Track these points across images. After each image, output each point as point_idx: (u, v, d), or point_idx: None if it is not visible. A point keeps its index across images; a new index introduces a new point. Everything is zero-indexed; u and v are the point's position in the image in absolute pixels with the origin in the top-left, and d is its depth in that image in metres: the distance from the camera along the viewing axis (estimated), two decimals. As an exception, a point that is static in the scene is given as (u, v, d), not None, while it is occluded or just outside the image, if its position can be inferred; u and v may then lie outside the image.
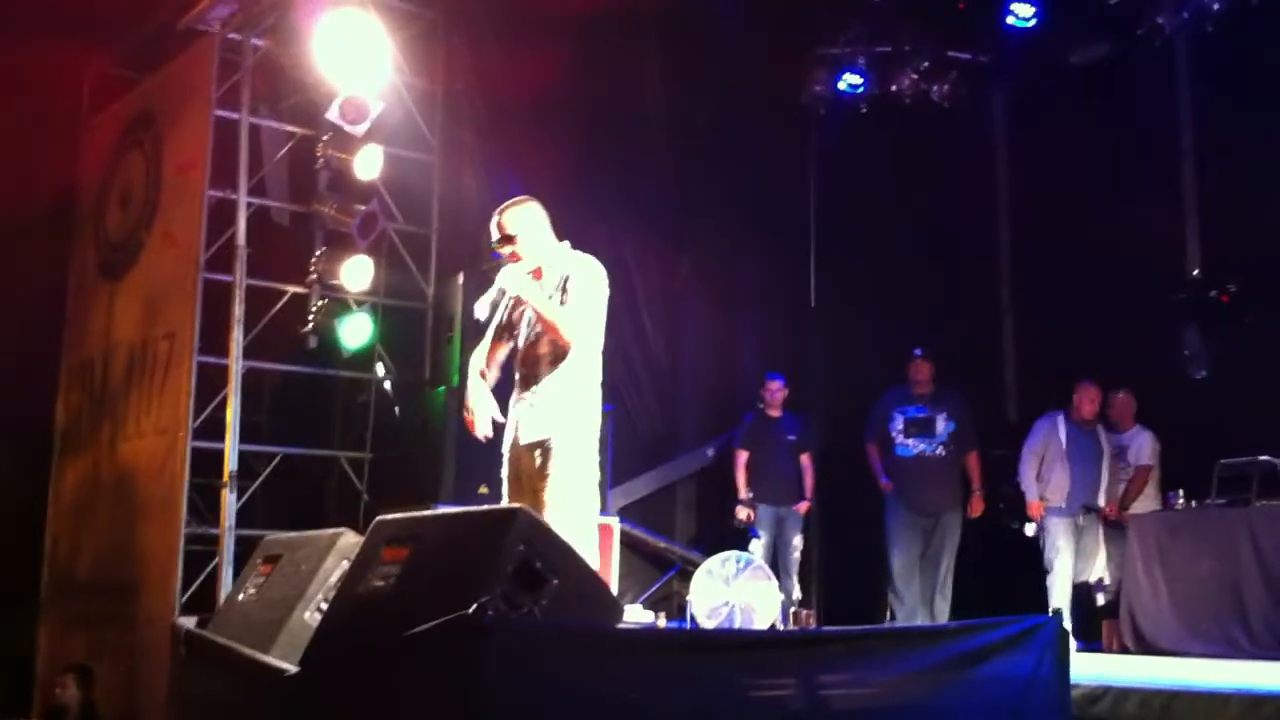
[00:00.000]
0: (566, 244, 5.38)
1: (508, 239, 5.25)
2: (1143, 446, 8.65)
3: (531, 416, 5.16)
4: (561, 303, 5.16)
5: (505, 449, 5.29)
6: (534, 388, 5.18)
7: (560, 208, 5.46)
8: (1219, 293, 8.78)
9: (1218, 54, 8.99)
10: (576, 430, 5.12)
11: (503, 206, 5.32)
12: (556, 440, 5.09)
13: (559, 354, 5.17)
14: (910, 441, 9.14)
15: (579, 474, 5.09)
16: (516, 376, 5.28)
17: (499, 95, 9.43)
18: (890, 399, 9.29)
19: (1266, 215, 8.45)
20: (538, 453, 5.12)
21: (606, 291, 5.26)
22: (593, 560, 4.84)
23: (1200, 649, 6.97)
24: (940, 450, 9.09)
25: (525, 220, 5.28)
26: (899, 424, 9.18)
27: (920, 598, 9.03)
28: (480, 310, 5.22)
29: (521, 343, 5.31)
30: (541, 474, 5.08)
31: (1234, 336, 8.74)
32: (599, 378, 5.26)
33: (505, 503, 5.25)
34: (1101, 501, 8.41)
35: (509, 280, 5.16)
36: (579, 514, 5.01)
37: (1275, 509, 7.18)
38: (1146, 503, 8.54)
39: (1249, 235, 8.76)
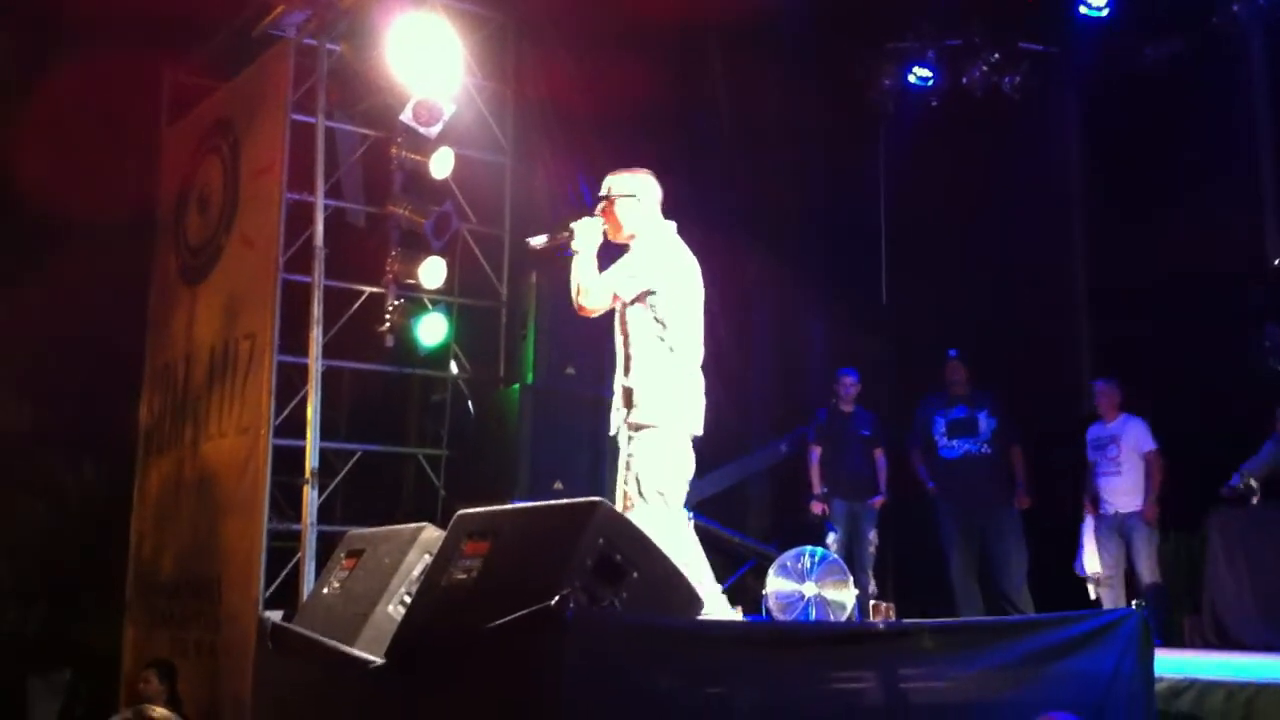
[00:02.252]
0: (672, 225, 5.37)
1: (605, 197, 5.30)
2: (1141, 434, 8.64)
3: (616, 406, 5.22)
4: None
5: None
6: (619, 377, 5.23)
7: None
8: (1302, 284, 8.65)
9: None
10: (654, 423, 5.10)
11: (618, 169, 5.36)
12: (635, 434, 5.11)
13: (636, 342, 5.17)
14: (955, 442, 9.19)
15: (658, 466, 5.07)
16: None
17: (568, 98, 9.47)
18: (930, 404, 9.35)
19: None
20: (621, 443, 5.18)
21: (655, 272, 5.17)
22: (677, 552, 4.86)
23: (1285, 644, 6.87)
24: (985, 448, 9.12)
25: (631, 186, 5.32)
26: (941, 427, 9.24)
27: (985, 597, 8.99)
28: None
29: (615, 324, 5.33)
30: (625, 464, 5.13)
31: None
32: (681, 370, 5.18)
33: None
34: None
35: (579, 224, 5.17)
36: (654, 505, 5.01)
37: (1361, 503, 7.07)
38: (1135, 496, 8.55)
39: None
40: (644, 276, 5.15)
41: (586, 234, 5.19)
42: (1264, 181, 9.23)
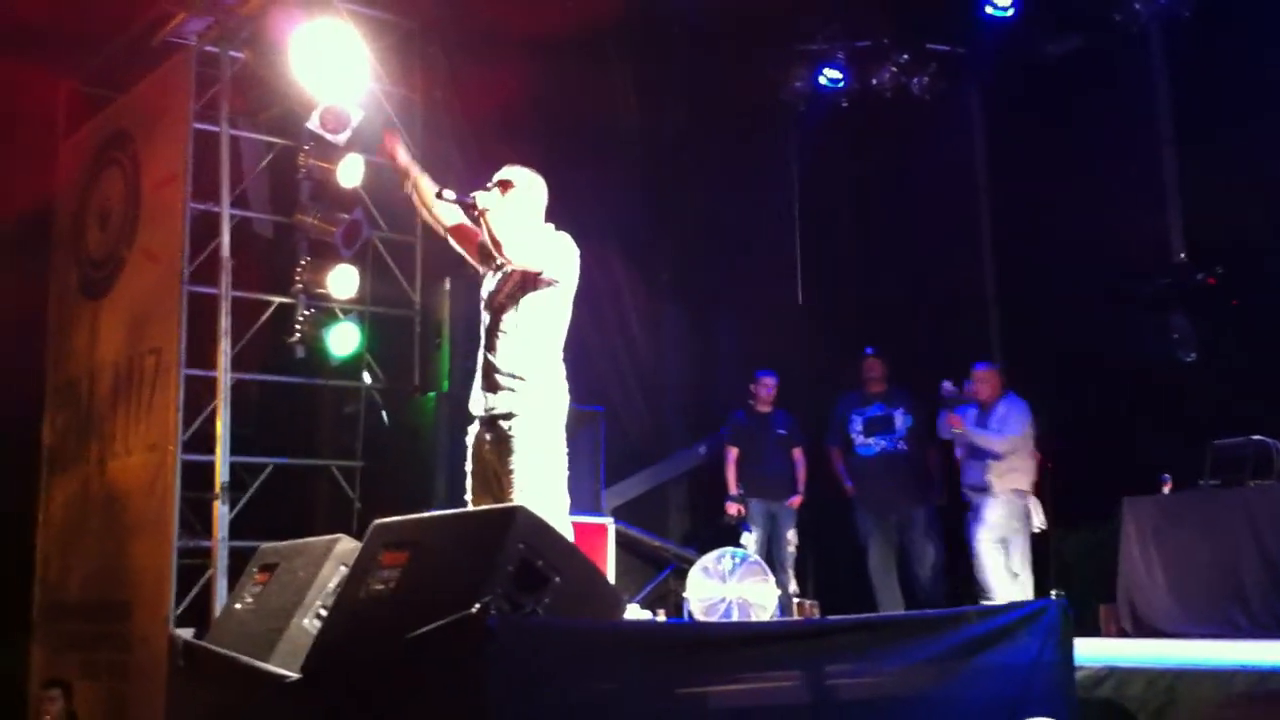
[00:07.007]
0: (551, 226, 5.30)
1: (502, 184, 5.19)
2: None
3: (491, 390, 5.08)
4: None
5: (471, 437, 5.21)
6: (493, 356, 5.09)
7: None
8: (1205, 276, 8.79)
9: (1193, 41, 9.02)
10: (540, 408, 5.04)
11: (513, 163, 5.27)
12: (520, 419, 5.01)
13: (522, 324, 5.08)
14: (871, 440, 9.23)
15: (545, 455, 5.01)
16: (481, 346, 5.19)
17: (476, 105, 9.39)
18: (846, 402, 9.40)
19: (1247, 201, 8.50)
20: (499, 428, 5.05)
21: (569, 263, 5.15)
22: None
23: (1198, 631, 6.97)
24: (901, 445, 9.17)
25: (524, 181, 5.24)
26: (858, 425, 9.29)
27: (903, 593, 9.05)
28: (448, 193, 5.05)
29: (490, 309, 5.21)
30: (505, 451, 5.01)
31: (1221, 320, 8.76)
32: (559, 356, 5.15)
33: (469, 481, 5.20)
34: None
35: (480, 196, 5.01)
36: (546, 495, 4.93)
37: (1270, 489, 7.19)
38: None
39: (1233, 220, 8.79)
40: (568, 268, 5.13)
41: (490, 205, 5.05)
42: (1165, 177, 9.39)
